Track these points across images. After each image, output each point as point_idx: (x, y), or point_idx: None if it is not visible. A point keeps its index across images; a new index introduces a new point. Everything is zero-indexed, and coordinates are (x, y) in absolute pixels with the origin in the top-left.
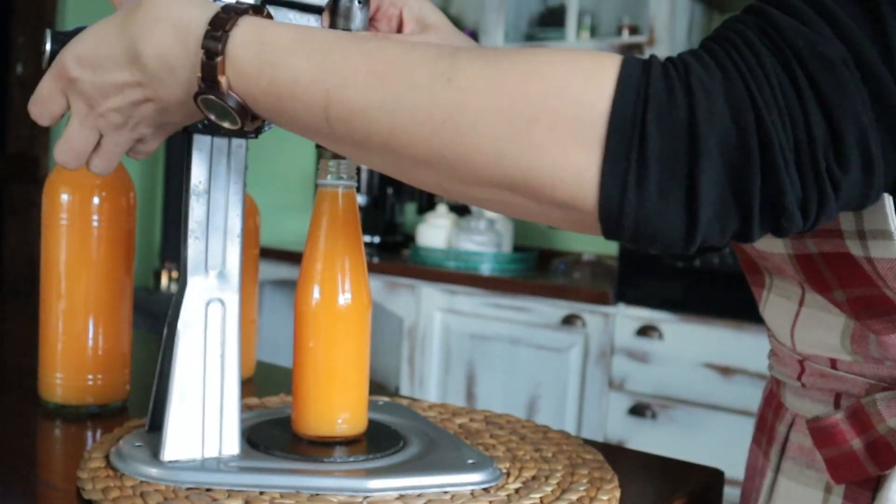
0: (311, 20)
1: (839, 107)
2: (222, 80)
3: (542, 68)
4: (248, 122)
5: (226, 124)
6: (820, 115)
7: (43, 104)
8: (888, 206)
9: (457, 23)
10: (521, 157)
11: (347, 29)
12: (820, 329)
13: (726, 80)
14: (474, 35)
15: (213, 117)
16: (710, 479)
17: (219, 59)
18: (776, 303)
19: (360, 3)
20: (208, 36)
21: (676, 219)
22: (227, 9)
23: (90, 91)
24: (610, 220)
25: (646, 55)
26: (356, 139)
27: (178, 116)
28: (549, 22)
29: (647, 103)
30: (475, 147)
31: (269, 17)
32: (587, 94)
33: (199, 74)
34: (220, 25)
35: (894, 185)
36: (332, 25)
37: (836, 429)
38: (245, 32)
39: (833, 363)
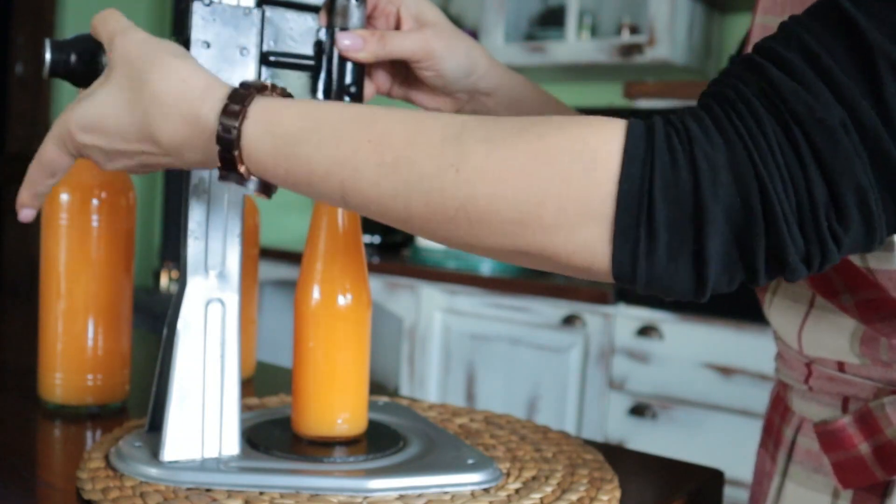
0: (308, 19)
1: (839, 171)
2: (242, 169)
3: (547, 151)
4: (272, 191)
5: (250, 194)
6: (821, 179)
7: (49, 168)
8: None
9: (457, 23)
10: (533, 237)
11: (345, 28)
12: (829, 332)
13: (729, 149)
14: (474, 35)
15: (236, 189)
16: (710, 480)
17: (236, 152)
18: (782, 305)
19: (356, 1)
20: (223, 129)
21: (686, 277)
22: (234, 97)
23: (99, 153)
24: (623, 281)
25: (646, 55)
26: (378, 217)
27: (193, 167)
28: (549, 22)
29: (653, 179)
30: (490, 230)
31: (276, 89)
32: (593, 176)
33: (217, 161)
34: (232, 118)
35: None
36: (329, 24)
37: (843, 433)
38: (256, 125)
39: (841, 366)
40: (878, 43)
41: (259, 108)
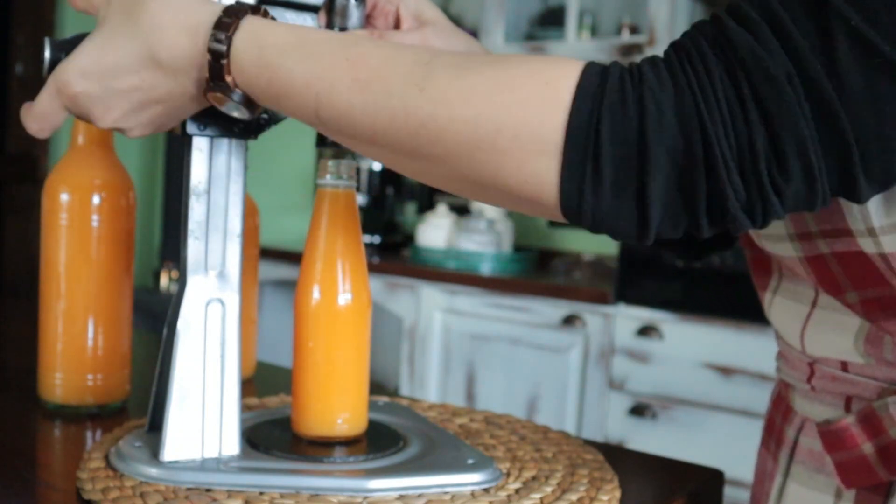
0: (307, 19)
1: (780, 121)
2: (228, 79)
3: (508, 81)
4: (254, 110)
5: (235, 113)
6: (763, 129)
7: (44, 119)
8: None
9: (457, 22)
10: (488, 162)
11: (344, 27)
12: (833, 331)
13: (677, 93)
14: (474, 34)
15: (222, 108)
16: (710, 479)
17: (224, 61)
18: (784, 305)
19: (356, 1)
20: (213, 39)
21: (630, 216)
22: (228, 11)
23: (94, 103)
24: (571, 214)
25: (646, 55)
26: (346, 134)
27: (186, 112)
28: (549, 22)
29: (601, 115)
30: (446, 151)
31: (267, 14)
32: (546, 107)
33: (207, 75)
34: (224, 29)
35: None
36: (329, 24)
37: (846, 433)
38: (245, 36)
39: (844, 366)
40: (835, 2)
41: (250, 22)
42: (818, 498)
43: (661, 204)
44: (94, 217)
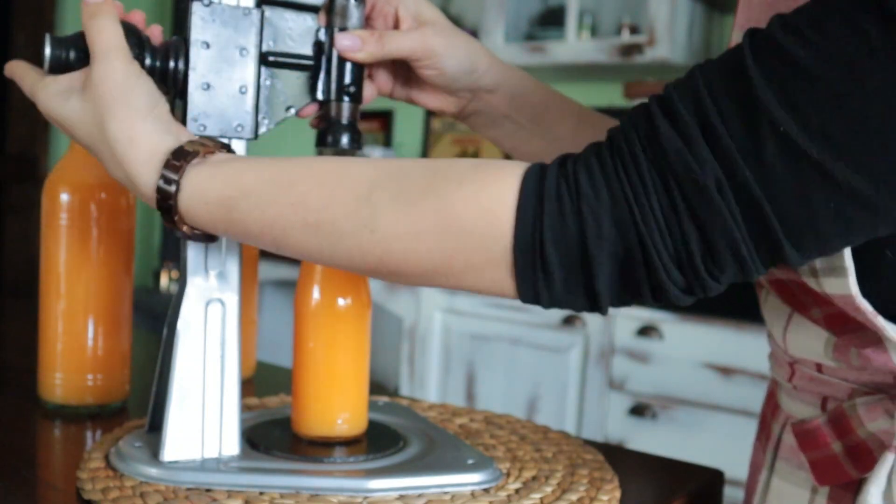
0: (307, 19)
1: (711, 226)
2: (185, 229)
3: (451, 213)
4: (208, 241)
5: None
6: (696, 233)
7: (20, 80)
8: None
9: (457, 23)
10: (447, 280)
11: (344, 28)
12: (807, 336)
13: (613, 204)
14: (474, 34)
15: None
16: (710, 479)
17: (175, 217)
18: (773, 304)
19: (355, 1)
20: (161, 200)
21: (583, 302)
22: (169, 167)
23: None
24: (531, 303)
25: (646, 55)
26: (314, 262)
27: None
28: (549, 22)
29: (543, 232)
30: (408, 276)
31: (212, 148)
32: (491, 233)
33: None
34: (168, 186)
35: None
36: (329, 24)
37: (818, 432)
38: (189, 197)
39: (819, 367)
40: (765, 103)
41: (190, 180)
42: (797, 493)
43: (608, 293)
44: (94, 217)
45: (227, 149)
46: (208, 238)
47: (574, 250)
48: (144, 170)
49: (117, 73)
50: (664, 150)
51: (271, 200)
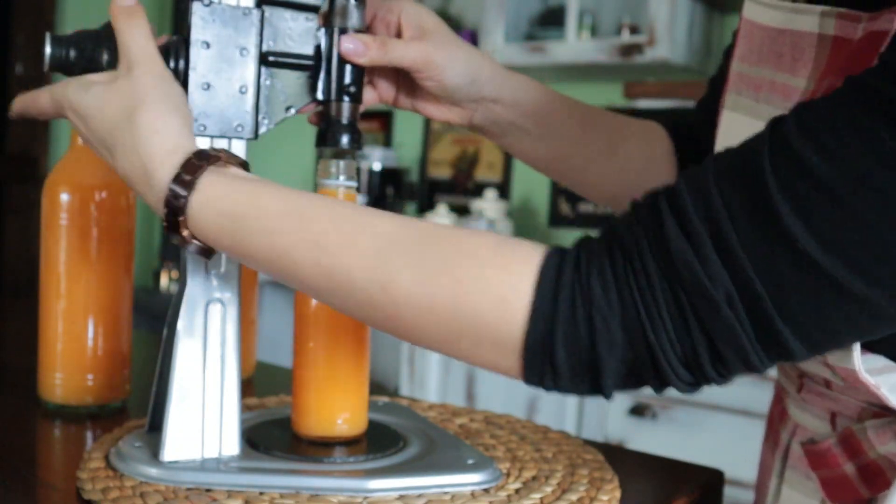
0: (307, 19)
1: (720, 337)
2: (185, 233)
3: (466, 295)
4: (211, 256)
5: (195, 255)
6: (704, 340)
7: (37, 110)
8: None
9: (457, 23)
10: (452, 353)
11: (344, 28)
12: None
13: (623, 312)
14: (474, 34)
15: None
16: (710, 479)
17: (181, 218)
18: None
19: (356, 1)
20: (171, 197)
21: (588, 391)
22: (187, 166)
23: (84, 132)
24: (534, 387)
25: (646, 55)
26: (318, 300)
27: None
28: (549, 22)
29: (555, 334)
30: (416, 338)
31: (231, 160)
32: (504, 322)
33: (164, 223)
34: (181, 187)
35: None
36: (328, 24)
37: (829, 453)
38: (202, 199)
39: (828, 384)
40: (779, 212)
41: (207, 182)
42: (807, 503)
43: (613, 386)
44: (94, 217)
45: (246, 167)
46: (204, 251)
47: (584, 354)
48: (164, 162)
49: (157, 71)
50: (673, 260)
51: (286, 231)
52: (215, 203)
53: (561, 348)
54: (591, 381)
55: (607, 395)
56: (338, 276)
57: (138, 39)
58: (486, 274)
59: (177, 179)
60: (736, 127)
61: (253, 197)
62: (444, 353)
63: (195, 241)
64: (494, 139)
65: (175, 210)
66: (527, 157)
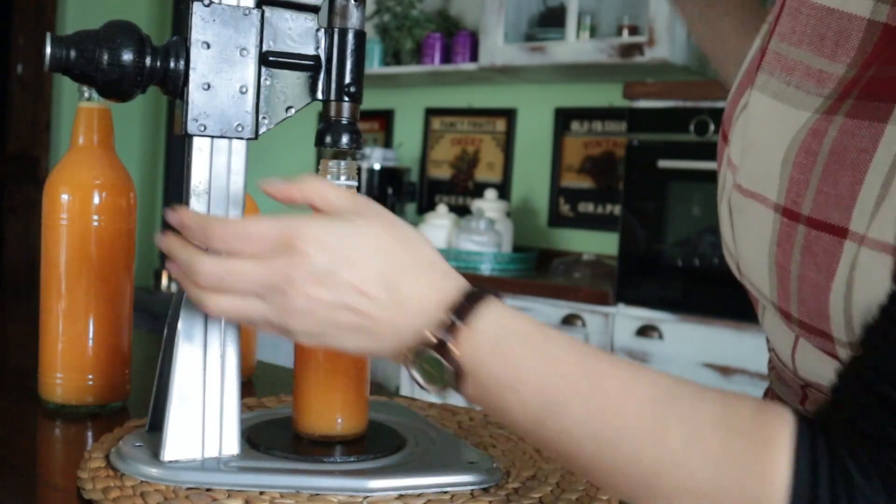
0: (307, 19)
1: None
2: (455, 349)
3: (729, 460)
4: (444, 391)
5: (422, 385)
6: None
7: (246, 240)
8: None
9: (457, 22)
10: None
11: (344, 28)
12: (822, 362)
13: (889, 496)
14: (474, 34)
15: (414, 372)
16: None
17: (460, 325)
18: (774, 322)
19: (356, 1)
20: (459, 304)
21: None
22: (474, 290)
23: (306, 270)
24: None
25: (645, 55)
26: (560, 453)
27: (367, 350)
28: (549, 22)
29: None
30: None
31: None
32: (763, 500)
33: (432, 337)
34: (472, 299)
35: None
36: (329, 24)
37: None
38: (491, 312)
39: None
40: None
41: (496, 301)
42: None
43: None
44: (94, 217)
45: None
46: (453, 378)
47: None
48: (456, 275)
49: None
50: None
51: (565, 360)
52: (502, 318)
53: None
54: None
55: None
56: (608, 418)
57: (336, 191)
58: (746, 446)
59: (468, 292)
60: (760, 110)
61: (537, 325)
62: None
63: (454, 365)
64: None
65: (456, 319)
66: (691, 29)
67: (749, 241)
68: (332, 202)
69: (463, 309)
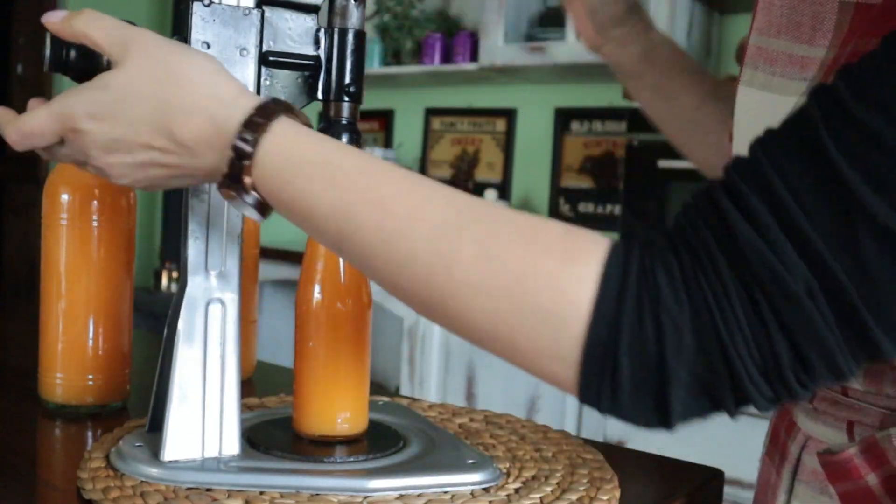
0: (307, 19)
1: (802, 335)
2: (247, 180)
3: (529, 280)
4: (265, 215)
5: (244, 212)
6: (785, 342)
7: (29, 138)
8: None
9: (457, 23)
10: (503, 350)
11: (344, 28)
12: None
13: (694, 313)
14: (474, 34)
15: (231, 205)
16: (710, 479)
17: (246, 162)
18: None
19: (356, 1)
20: (240, 138)
21: (650, 416)
22: (261, 110)
23: (95, 146)
24: (588, 404)
25: None
26: (364, 272)
27: (188, 183)
28: (549, 22)
29: (619, 336)
30: (464, 328)
31: (301, 116)
32: (563, 321)
33: (224, 169)
34: (252, 129)
35: None
36: (329, 24)
37: (850, 464)
38: (274, 142)
39: (845, 391)
40: (854, 190)
41: (281, 127)
42: None
43: (682, 406)
44: (94, 217)
45: (310, 127)
46: (260, 206)
47: (650, 360)
48: (235, 103)
49: (161, 38)
50: (745, 256)
51: (353, 188)
52: (285, 149)
53: (624, 352)
54: (655, 398)
55: (672, 421)
56: (398, 242)
57: (108, 25)
58: (550, 264)
59: (248, 122)
60: (751, 102)
61: (324, 150)
62: (497, 352)
63: (253, 193)
64: (623, 81)
65: (242, 154)
66: (647, 108)
67: None
68: (99, 43)
69: (248, 141)
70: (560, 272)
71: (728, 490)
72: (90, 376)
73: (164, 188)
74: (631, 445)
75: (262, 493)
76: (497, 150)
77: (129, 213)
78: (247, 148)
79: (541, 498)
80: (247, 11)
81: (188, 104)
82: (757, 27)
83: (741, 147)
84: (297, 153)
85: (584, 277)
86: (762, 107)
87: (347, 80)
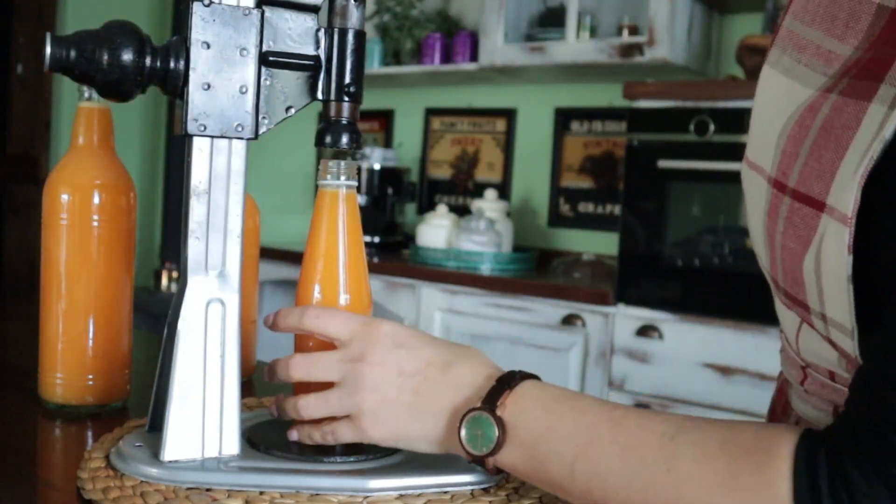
0: (307, 19)
1: None
2: (501, 405)
3: (738, 491)
4: (486, 466)
5: (468, 450)
6: None
7: (312, 369)
8: (849, 302)
9: (457, 22)
10: None
11: (344, 28)
12: (821, 346)
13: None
14: (474, 34)
15: (463, 442)
16: None
17: (507, 390)
18: (782, 305)
19: (356, 1)
20: (504, 375)
21: None
22: (512, 372)
23: (385, 378)
24: None
25: (645, 55)
26: (593, 495)
27: (413, 425)
28: (549, 22)
29: None
30: None
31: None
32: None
33: (483, 395)
34: (513, 375)
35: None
36: (329, 24)
37: None
38: (528, 388)
39: (832, 375)
40: None
41: (531, 381)
42: None
43: None
44: (94, 217)
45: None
46: (498, 441)
47: None
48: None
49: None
50: None
51: (591, 410)
52: (539, 385)
53: None
54: None
55: None
56: (631, 454)
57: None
58: (756, 474)
59: (509, 375)
60: (772, 85)
61: (564, 390)
62: None
63: (497, 418)
64: None
65: (505, 381)
66: None
67: (752, 212)
68: (335, 335)
69: (506, 378)
70: (761, 469)
71: None
72: (90, 376)
73: (386, 425)
74: None
75: (262, 493)
76: (497, 150)
77: (129, 213)
78: (506, 386)
79: (540, 498)
80: (247, 11)
81: (465, 351)
82: (793, 10)
83: (758, 125)
84: (548, 388)
85: (782, 471)
86: (780, 92)
87: (347, 80)
